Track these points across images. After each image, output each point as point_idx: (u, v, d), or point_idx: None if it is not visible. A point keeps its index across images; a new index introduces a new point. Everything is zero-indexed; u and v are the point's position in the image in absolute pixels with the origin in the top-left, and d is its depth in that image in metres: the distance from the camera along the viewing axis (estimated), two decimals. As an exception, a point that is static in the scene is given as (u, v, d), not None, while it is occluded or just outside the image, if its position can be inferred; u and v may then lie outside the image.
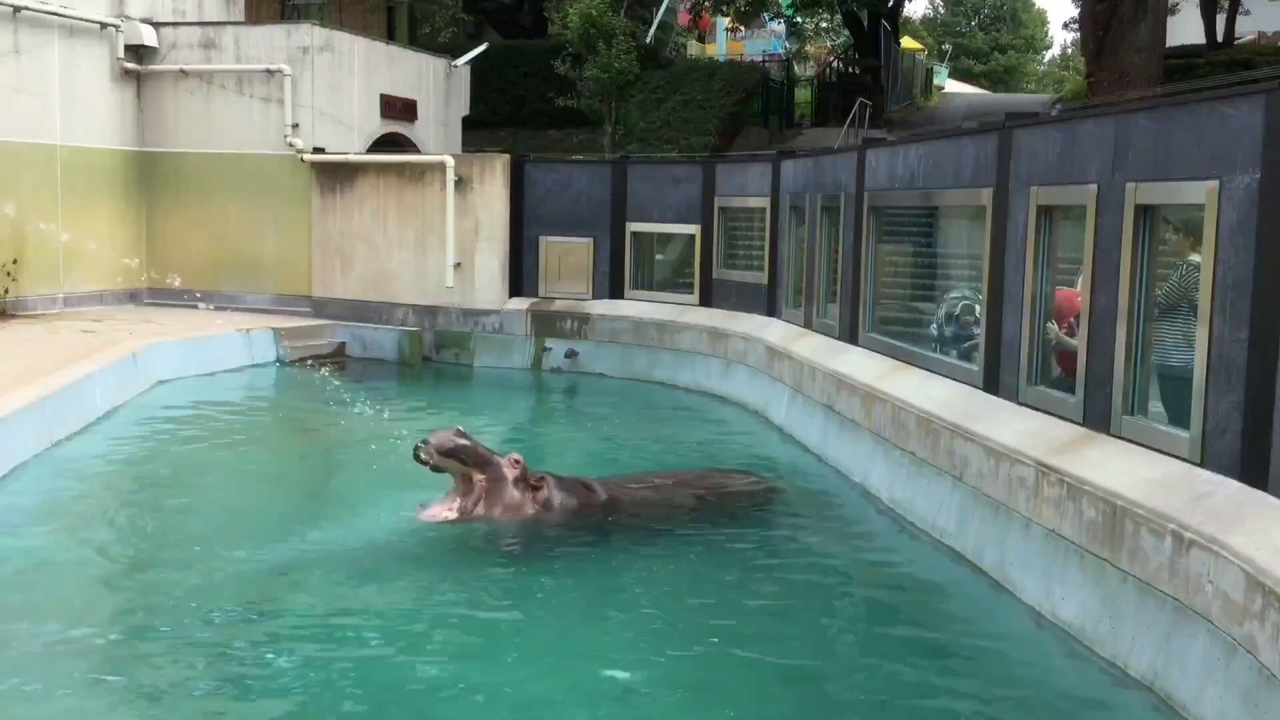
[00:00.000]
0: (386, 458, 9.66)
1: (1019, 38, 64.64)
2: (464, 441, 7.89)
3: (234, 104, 17.10)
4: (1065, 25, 58.66)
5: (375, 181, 16.58)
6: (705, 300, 14.92)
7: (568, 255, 15.88)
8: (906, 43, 39.99)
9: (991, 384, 8.06)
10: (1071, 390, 7.03)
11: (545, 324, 15.79)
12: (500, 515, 7.90)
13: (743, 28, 39.41)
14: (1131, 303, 6.39)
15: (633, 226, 15.55)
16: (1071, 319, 7.43)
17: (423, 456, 7.77)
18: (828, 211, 11.69)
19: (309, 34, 17.03)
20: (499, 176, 15.97)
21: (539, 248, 16.00)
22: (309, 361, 14.94)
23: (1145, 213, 6.34)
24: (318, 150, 16.87)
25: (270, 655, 5.92)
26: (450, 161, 16.11)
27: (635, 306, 15.35)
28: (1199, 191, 5.79)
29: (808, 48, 41.26)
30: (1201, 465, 5.71)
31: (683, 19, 35.78)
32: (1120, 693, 5.56)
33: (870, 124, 26.37)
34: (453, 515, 7.83)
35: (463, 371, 15.87)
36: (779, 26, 37.30)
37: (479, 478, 7.88)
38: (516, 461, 8.04)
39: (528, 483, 8.01)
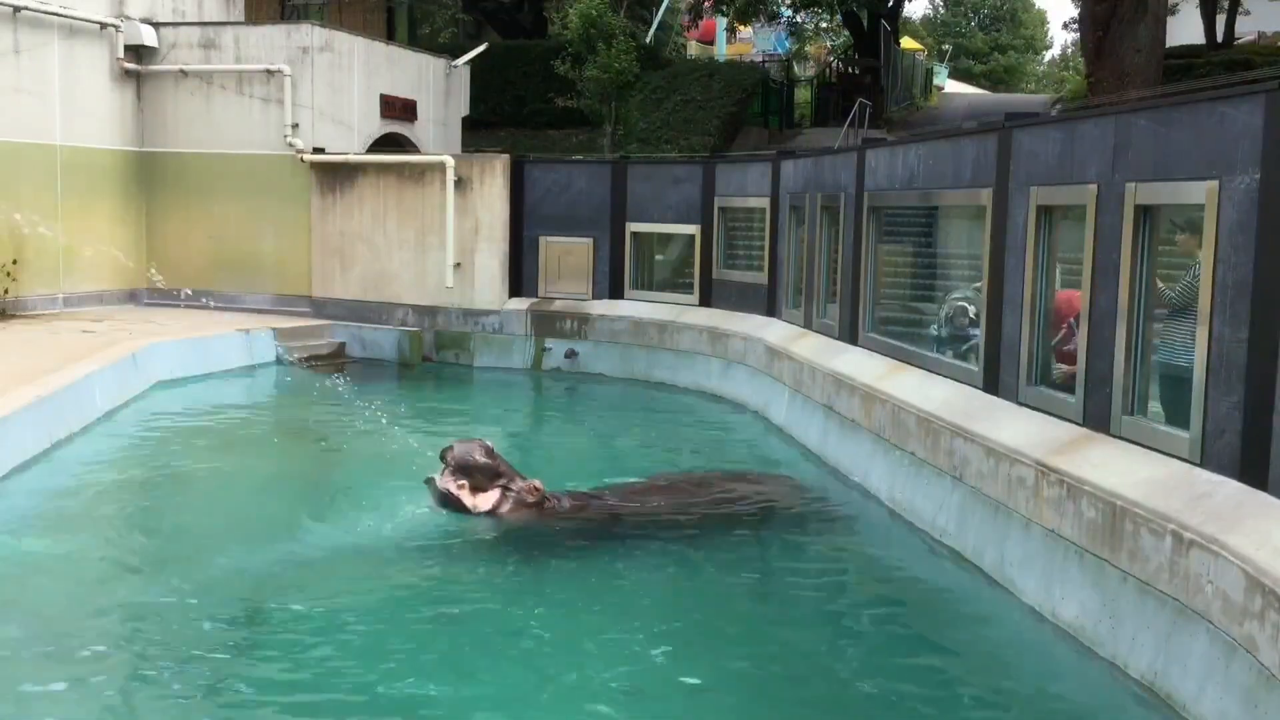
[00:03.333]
0: (385, 459, 9.66)
1: (1019, 38, 64.68)
2: (483, 460, 7.97)
3: (234, 104, 17.09)
4: (1065, 25, 58.68)
5: (375, 182, 16.58)
6: (705, 300, 14.92)
7: (567, 255, 15.87)
8: (906, 43, 40.02)
9: (991, 384, 8.05)
10: (1071, 390, 7.03)
11: (545, 324, 15.79)
12: (503, 520, 7.96)
13: (748, 27, 39.38)
14: (1131, 303, 6.39)
15: (633, 227, 15.54)
16: (1071, 319, 7.43)
17: (447, 460, 7.89)
18: (827, 212, 11.69)
19: (309, 34, 17.02)
20: (499, 177, 15.97)
21: (539, 248, 16.00)
22: (309, 362, 14.93)
23: (1145, 213, 6.34)
24: (317, 150, 16.86)
25: (269, 656, 5.92)
26: (450, 162, 16.11)
27: (635, 307, 15.35)
28: (1199, 191, 5.79)
29: (807, 48, 41.27)
30: (1201, 465, 5.71)
31: (690, 31, 35.75)
32: (1120, 693, 5.56)
33: (870, 124, 26.37)
34: (467, 499, 7.85)
35: (462, 372, 15.87)
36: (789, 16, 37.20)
37: (497, 487, 8.00)
38: (535, 489, 8.06)
39: (541, 510, 8.05)
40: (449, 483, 7.92)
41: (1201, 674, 5.11)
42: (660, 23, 25.56)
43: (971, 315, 8.95)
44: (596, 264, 15.73)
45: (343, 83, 17.64)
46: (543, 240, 15.96)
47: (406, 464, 9.00)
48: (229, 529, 8.14)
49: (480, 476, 7.94)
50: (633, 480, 9.18)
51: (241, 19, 19.16)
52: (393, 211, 16.49)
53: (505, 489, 7.98)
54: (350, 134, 17.77)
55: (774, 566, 7.82)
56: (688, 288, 15.20)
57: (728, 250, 14.84)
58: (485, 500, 7.91)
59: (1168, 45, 20.99)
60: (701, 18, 34.72)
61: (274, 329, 15.42)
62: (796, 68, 36.88)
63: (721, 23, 38.21)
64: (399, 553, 7.50)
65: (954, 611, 6.93)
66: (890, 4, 33.36)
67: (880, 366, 9.79)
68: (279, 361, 15.08)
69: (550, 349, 15.67)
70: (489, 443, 8.24)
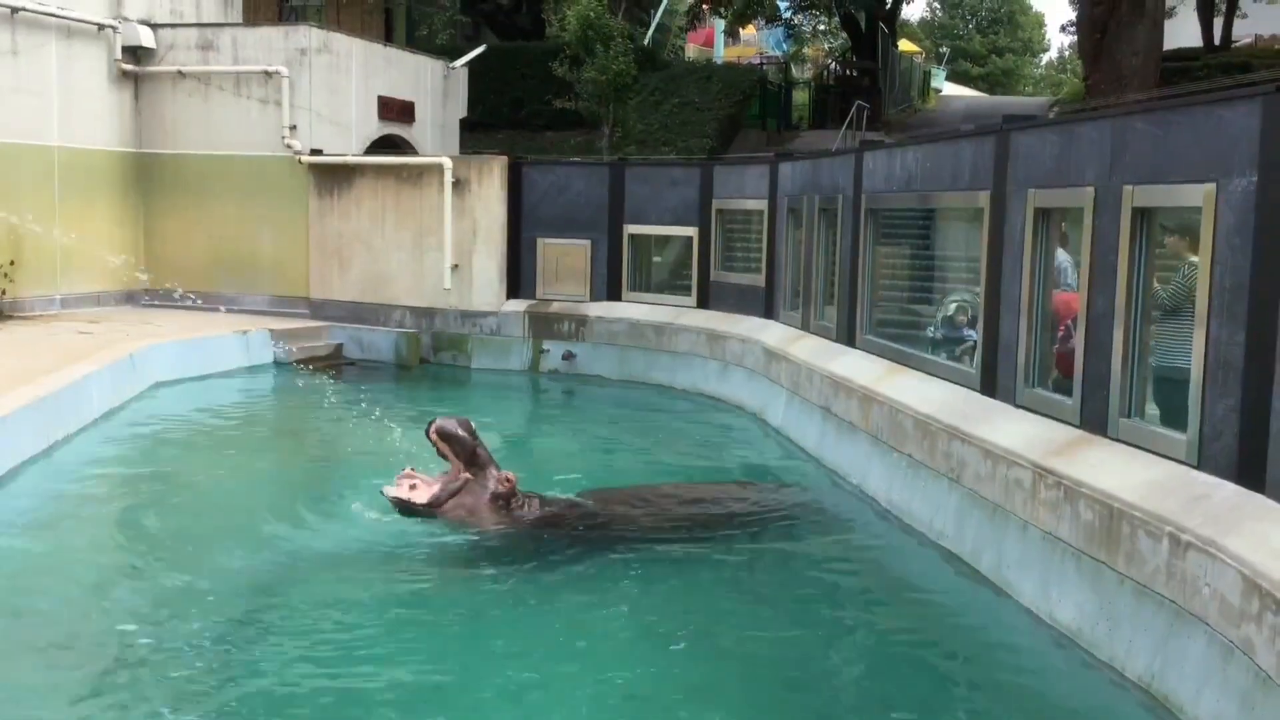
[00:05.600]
0: (383, 460, 9.65)
1: (1016, 40, 64.79)
2: (463, 434, 7.87)
3: (232, 105, 17.09)
4: (1063, 28, 58.70)
5: (373, 183, 16.58)
6: (703, 302, 14.92)
7: (565, 257, 15.88)
8: (904, 45, 40.08)
9: (989, 386, 8.06)
10: (1069, 393, 7.04)
11: (543, 326, 15.79)
12: (466, 519, 7.81)
13: (751, 29, 39.39)
14: (1129, 305, 6.39)
15: (630, 228, 15.54)
16: (1069, 321, 7.44)
17: (429, 433, 7.83)
18: (825, 214, 11.69)
19: (307, 36, 17.03)
20: (497, 178, 15.97)
21: (537, 249, 16.00)
22: (306, 363, 14.93)
23: (1142, 215, 6.35)
24: (315, 152, 16.86)
25: (265, 657, 5.91)
26: (448, 163, 16.11)
27: (633, 308, 15.35)
28: (1196, 194, 5.79)
29: (805, 50, 41.31)
30: (1198, 468, 5.72)
31: (692, 38, 35.72)
32: (1118, 695, 5.56)
33: (868, 126, 26.40)
34: (419, 498, 7.74)
35: (460, 373, 15.86)
36: (788, 17, 37.20)
37: (464, 475, 7.87)
38: (508, 480, 7.91)
39: (508, 503, 7.90)
40: (398, 491, 7.82)
41: (1199, 676, 5.11)
42: (658, 24, 25.57)
43: (973, 316, 8.95)
44: (594, 266, 15.73)
45: (341, 84, 17.65)
46: (540, 242, 15.96)
47: (403, 466, 8.98)
48: (225, 530, 8.13)
49: (458, 447, 7.82)
50: (623, 487, 9.11)
51: (239, 20, 19.16)
52: (390, 213, 16.49)
53: (470, 479, 7.83)
54: (348, 135, 17.78)
55: (768, 569, 7.80)
56: (686, 289, 15.20)
57: (725, 252, 14.84)
58: (431, 491, 7.75)
59: (1165, 48, 21.03)
60: (700, 20, 34.74)
61: (272, 330, 15.41)
62: (795, 70, 36.91)
63: (720, 25, 38.24)
64: (396, 555, 7.49)
65: (951, 613, 6.93)
66: (888, 6, 33.41)
67: (878, 368, 9.79)
68: (277, 363, 15.07)
69: (548, 351, 15.67)
70: (472, 424, 8.15)
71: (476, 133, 24.11)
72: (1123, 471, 6.06)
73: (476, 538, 7.74)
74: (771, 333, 12.89)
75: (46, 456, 9.77)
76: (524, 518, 7.93)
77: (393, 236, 16.49)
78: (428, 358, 16.26)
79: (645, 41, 24.54)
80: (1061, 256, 7.71)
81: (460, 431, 7.88)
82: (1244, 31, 30.61)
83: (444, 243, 15.99)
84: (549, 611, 6.71)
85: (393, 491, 7.86)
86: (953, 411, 8.03)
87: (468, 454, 7.87)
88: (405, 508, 7.85)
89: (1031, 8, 66.06)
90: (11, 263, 15.44)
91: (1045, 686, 5.87)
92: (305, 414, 12.68)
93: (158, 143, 17.44)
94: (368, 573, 7.19)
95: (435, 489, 7.83)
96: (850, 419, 9.79)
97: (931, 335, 9.80)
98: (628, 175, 15.63)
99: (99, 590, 6.96)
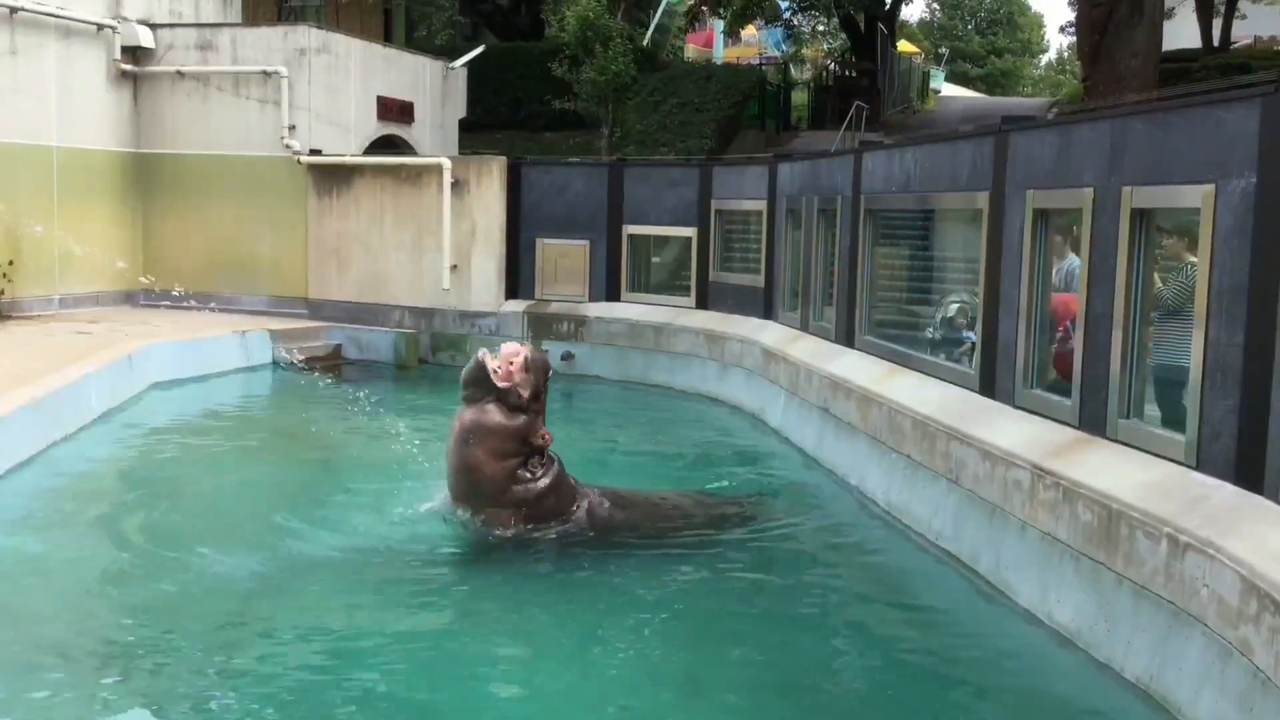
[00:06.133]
0: (380, 461, 9.64)
1: (1015, 41, 64.84)
2: (537, 373, 7.73)
3: (231, 106, 17.09)
4: (1062, 29, 58.82)
5: (372, 183, 16.58)
6: (702, 303, 14.92)
7: (564, 257, 15.88)
8: (903, 46, 40.09)
9: (987, 387, 8.06)
10: (1068, 394, 7.04)
11: (542, 326, 15.79)
12: (488, 431, 7.61)
13: (753, 29, 39.38)
14: (1128, 306, 6.39)
15: (629, 229, 15.54)
16: (1068, 322, 7.44)
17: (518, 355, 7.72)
18: (824, 215, 11.69)
19: (306, 36, 17.03)
20: (496, 179, 15.97)
21: (536, 250, 16.00)
22: (305, 363, 14.92)
23: (1141, 217, 6.35)
24: (314, 152, 16.86)
25: (264, 659, 5.91)
26: (447, 164, 16.11)
27: (632, 309, 15.34)
28: (1195, 195, 5.79)
29: (805, 51, 41.34)
30: (1197, 469, 5.72)
31: (691, 39, 35.74)
32: (1116, 696, 5.56)
33: (867, 127, 26.40)
34: (496, 380, 7.58)
35: (459, 374, 15.74)
36: (788, 17, 37.17)
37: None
38: (545, 436, 7.74)
39: (528, 456, 7.69)
40: (492, 361, 7.63)
41: (1197, 677, 5.11)
42: (658, 25, 25.54)
43: (968, 318, 8.95)
44: (593, 266, 15.72)
45: (340, 84, 17.64)
46: (539, 242, 15.96)
47: (401, 466, 8.99)
48: (223, 531, 8.13)
49: (524, 389, 7.66)
50: (622, 489, 9.08)
51: (238, 20, 19.17)
52: (389, 213, 16.49)
53: (538, 412, 7.72)
54: (347, 136, 17.77)
55: (767, 569, 7.80)
56: (685, 290, 15.20)
57: (724, 253, 14.84)
58: (506, 384, 7.58)
59: (1164, 49, 21.05)
60: (699, 21, 34.70)
61: (270, 330, 15.41)
62: (794, 71, 36.94)
63: (719, 26, 38.21)
64: (393, 556, 7.49)
65: (949, 614, 6.94)
66: (887, 7, 33.43)
67: (876, 369, 9.79)
68: (275, 363, 15.06)
69: (547, 351, 15.63)
70: (549, 371, 8.00)
71: (475, 133, 24.08)
72: (1121, 472, 6.05)
73: (482, 539, 7.70)
74: (770, 333, 12.89)
75: (45, 457, 9.77)
76: (534, 479, 7.69)
77: (391, 237, 16.49)
78: (426, 358, 16.25)
79: (644, 42, 24.50)
80: (1074, 260, 7.69)
81: (537, 368, 7.77)
82: (1243, 32, 30.65)
83: (443, 243, 15.98)
84: (548, 613, 6.70)
85: (488, 353, 7.70)
86: (951, 412, 8.02)
87: (532, 392, 7.74)
88: (478, 374, 7.64)
89: (1030, 8, 66.09)
90: (10, 263, 15.44)
91: (1043, 687, 5.87)
92: (303, 415, 12.66)
93: (156, 143, 17.44)
94: (365, 573, 7.19)
95: (508, 386, 7.63)
96: (849, 420, 9.79)
97: (930, 336, 9.80)
98: (627, 176, 15.63)
99: (96, 590, 6.97)
